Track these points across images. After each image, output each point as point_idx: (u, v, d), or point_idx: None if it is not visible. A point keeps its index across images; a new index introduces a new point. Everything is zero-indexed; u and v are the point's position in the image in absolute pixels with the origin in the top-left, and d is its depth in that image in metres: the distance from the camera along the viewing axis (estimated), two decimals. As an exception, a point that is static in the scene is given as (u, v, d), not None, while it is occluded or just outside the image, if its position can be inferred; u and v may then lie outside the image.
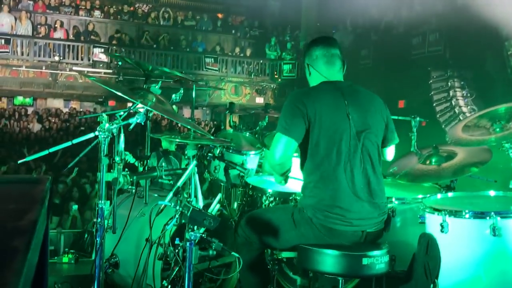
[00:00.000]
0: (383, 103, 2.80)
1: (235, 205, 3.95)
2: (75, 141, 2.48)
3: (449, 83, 11.16)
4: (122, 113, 2.55)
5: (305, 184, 2.69)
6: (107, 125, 2.50)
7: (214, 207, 2.86)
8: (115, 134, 2.61)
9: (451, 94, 11.09)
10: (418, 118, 3.79)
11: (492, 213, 2.50)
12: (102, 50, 16.26)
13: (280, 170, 2.73)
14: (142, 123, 2.52)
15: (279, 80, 18.43)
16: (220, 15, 20.19)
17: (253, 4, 20.58)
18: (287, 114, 2.60)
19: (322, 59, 2.76)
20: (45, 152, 2.48)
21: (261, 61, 18.64)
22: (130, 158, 5.11)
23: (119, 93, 2.49)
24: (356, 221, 2.55)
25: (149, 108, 2.55)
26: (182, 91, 3.08)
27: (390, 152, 2.93)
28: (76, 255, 4.81)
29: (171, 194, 2.70)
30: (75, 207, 9.30)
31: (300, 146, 2.66)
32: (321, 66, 2.76)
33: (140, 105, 2.60)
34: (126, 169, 2.81)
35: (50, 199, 1.30)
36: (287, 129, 2.56)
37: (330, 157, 2.56)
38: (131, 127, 2.53)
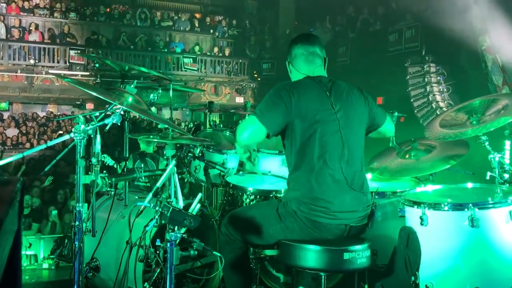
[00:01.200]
0: (362, 91, 2.83)
1: (216, 204, 3.92)
2: (50, 143, 2.43)
3: (425, 78, 11.31)
4: (98, 114, 2.51)
5: (289, 178, 2.70)
6: (82, 126, 2.46)
7: (195, 207, 2.84)
8: (91, 136, 2.57)
9: (428, 90, 11.24)
10: (396, 113, 3.81)
11: (470, 204, 2.53)
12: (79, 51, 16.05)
13: (242, 148, 2.78)
14: (119, 124, 2.49)
15: (259, 79, 18.44)
16: (197, 15, 20.09)
17: (231, 4, 20.57)
18: (269, 102, 2.61)
19: (301, 57, 2.78)
20: (20, 155, 2.44)
21: (240, 61, 18.61)
22: (109, 160, 5.04)
23: (95, 93, 2.45)
24: (340, 214, 2.56)
25: (125, 108, 2.52)
26: (160, 91, 3.05)
27: (388, 129, 2.97)
28: (56, 260, 4.75)
29: (150, 195, 2.67)
30: (54, 212, 9.17)
31: (285, 140, 2.67)
32: (301, 63, 2.79)
33: (116, 106, 2.56)
34: (104, 171, 2.77)
35: (21, 200, 1.26)
36: (263, 116, 2.56)
37: (314, 150, 2.57)
38: (107, 127, 2.50)
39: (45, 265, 4.60)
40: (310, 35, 2.91)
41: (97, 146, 2.54)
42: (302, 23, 17.91)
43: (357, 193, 2.62)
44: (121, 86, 2.99)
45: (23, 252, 7.97)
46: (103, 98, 2.43)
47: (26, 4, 17.17)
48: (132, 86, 2.68)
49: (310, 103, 2.59)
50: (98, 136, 2.54)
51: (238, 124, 2.76)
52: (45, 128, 16.45)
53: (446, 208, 2.61)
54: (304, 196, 2.58)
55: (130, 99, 2.67)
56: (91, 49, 16.51)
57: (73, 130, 2.46)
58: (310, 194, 2.56)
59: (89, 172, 2.63)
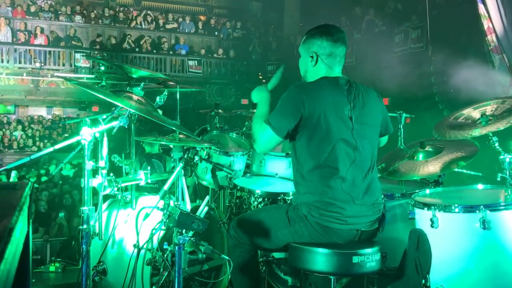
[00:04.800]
0: (378, 95, 2.77)
1: (224, 207, 3.90)
2: (57, 146, 2.42)
3: (432, 79, 11.25)
4: (104, 116, 2.50)
5: (300, 182, 2.64)
6: (90, 129, 2.45)
7: (202, 210, 2.82)
8: (98, 139, 2.56)
9: (434, 91, 11.18)
10: (404, 114, 3.79)
11: (482, 206, 2.50)
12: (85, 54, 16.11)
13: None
14: (126, 126, 2.47)
15: (263, 81, 18.42)
16: (202, 17, 20.10)
17: (235, 6, 20.57)
18: (284, 111, 2.56)
19: (334, 57, 2.65)
20: (27, 159, 2.43)
21: (245, 63, 18.60)
22: (121, 162, 4.99)
23: (102, 96, 2.43)
24: (351, 219, 2.52)
25: (131, 110, 2.50)
26: (166, 93, 3.03)
27: (384, 140, 2.94)
28: (63, 263, 4.73)
29: (158, 197, 2.66)
30: (61, 214, 9.18)
31: (296, 142, 2.62)
32: (330, 63, 2.66)
33: (123, 108, 2.55)
34: (112, 174, 2.76)
35: (30, 205, 1.25)
36: (279, 129, 2.54)
37: (327, 155, 2.52)
38: (114, 130, 2.49)
39: (52, 268, 4.57)
40: (342, 32, 2.72)
41: (104, 149, 2.53)
42: (307, 24, 17.88)
43: (368, 198, 2.58)
44: (128, 88, 2.98)
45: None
46: (109, 99, 2.42)
47: (31, 7, 17.23)
48: (139, 88, 2.67)
49: (325, 106, 2.52)
50: (105, 139, 2.53)
51: (252, 131, 2.72)
52: (51, 130, 16.51)
53: (456, 210, 2.57)
54: (316, 201, 2.54)
55: (136, 101, 2.66)
56: (96, 52, 16.55)
57: (80, 133, 2.45)
58: (322, 199, 2.52)
59: (96, 175, 2.62)
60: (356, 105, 2.60)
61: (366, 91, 2.70)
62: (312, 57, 2.69)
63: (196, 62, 17.82)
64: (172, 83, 3.78)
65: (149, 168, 3.19)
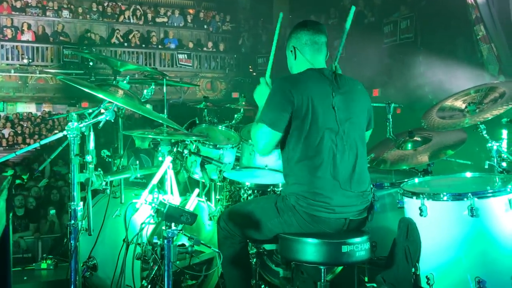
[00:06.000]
0: (363, 87, 2.77)
1: (214, 200, 3.89)
2: (42, 142, 2.39)
3: (421, 69, 11.28)
4: (90, 111, 2.48)
5: (289, 172, 2.65)
6: (75, 124, 2.43)
7: (192, 203, 2.81)
8: (85, 133, 2.54)
9: (424, 80, 11.21)
10: (393, 104, 3.81)
11: (470, 194, 2.50)
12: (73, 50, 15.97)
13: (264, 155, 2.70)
14: (112, 120, 2.45)
15: (254, 73, 18.37)
16: (191, 11, 19.98)
17: (224, -1, 20.47)
18: (274, 105, 2.55)
19: (313, 46, 2.68)
20: (12, 155, 2.40)
21: (235, 56, 18.54)
22: (110, 157, 4.94)
23: (86, 89, 2.41)
24: (339, 208, 2.53)
25: (118, 104, 2.48)
26: (153, 86, 3.01)
27: (369, 134, 2.91)
28: (55, 260, 4.70)
29: (146, 192, 2.64)
30: (52, 211, 9.11)
31: (285, 134, 2.61)
32: (309, 52, 2.69)
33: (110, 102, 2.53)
34: (99, 169, 2.74)
35: (9, 198, 1.23)
36: (274, 123, 2.52)
37: (314, 146, 2.53)
38: (101, 125, 2.46)
39: (43, 266, 4.54)
40: (319, 23, 2.79)
41: (91, 144, 2.50)
42: (296, 16, 17.82)
43: (357, 187, 2.59)
44: (114, 82, 2.95)
45: (20, 255, 7.95)
46: (94, 93, 2.39)
47: (17, 3, 17.02)
48: (125, 81, 2.64)
49: (312, 96, 2.53)
50: (92, 134, 2.51)
51: (251, 137, 2.71)
52: (40, 127, 16.39)
53: (445, 198, 2.58)
54: (303, 190, 2.54)
55: (122, 95, 2.63)
56: (84, 47, 16.41)
57: (66, 128, 2.43)
58: (309, 189, 2.53)
59: (84, 170, 2.59)
60: (342, 95, 2.60)
61: (352, 82, 2.71)
62: (291, 51, 2.74)
63: (186, 55, 17.74)
64: (157, 76, 3.75)
65: (137, 162, 3.17)
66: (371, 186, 2.77)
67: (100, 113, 2.54)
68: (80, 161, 2.47)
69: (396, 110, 4.07)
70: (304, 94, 2.52)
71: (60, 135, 2.47)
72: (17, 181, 10.82)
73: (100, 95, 2.40)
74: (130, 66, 3.35)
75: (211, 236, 3.55)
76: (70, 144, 2.46)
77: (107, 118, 2.45)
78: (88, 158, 2.54)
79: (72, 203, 2.53)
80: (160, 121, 2.75)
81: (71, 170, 2.54)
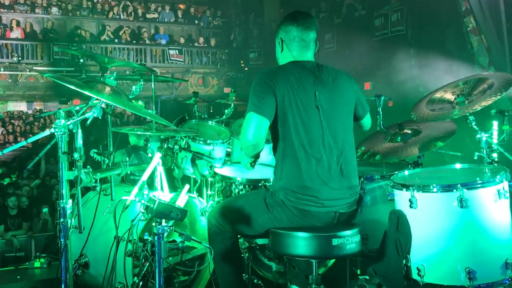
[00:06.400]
0: (350, 77, 2.75)
1: (205, 195, 3.88)
2: (30, 140, 2.37)
3: (412, 62, 11.31)
4: (78, 108, 2.46)
5: (277, 167, 2.64)
6: (63, 121, 2.41)
7: (182, 199, 2.80)
8: (73, 131, 2.52)
9: (415, 73, 11.23)
10: (383, 97, 3.80)
11: (459, 185, 2.52)
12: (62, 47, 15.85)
13: (253, 151, 2.60)
14: (100, 117, 2.43)
15: (246, 68, 18.34)
16: (181, 6, 19.88)
17: (215, -7, 20.38)
18: (258, 93, 2.52)
19: (300, 43, 2.65)
20: (-1, 153, 2.38)
21: (226, 51, 18.49)
22: (96, 156, 4.92)
23: (73, 87, 2.39)
24: (328, 202, 2.53)
25: (105, 101, 2.46)
26: (142, 82, 2.99)
27: (367, 122, 2.92)
28: (48, 259, 4.67)
29: (135, 188, 2.63)
30: (45, 210, 9.07)
31: (271, 128, 2.60)
32: (297, 49, 2.66)
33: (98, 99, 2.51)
34: (88, 166, 2.72)
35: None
36: (259, 107, 2.48)
37: (300, 139, 2.52)
38: (89, 122, 2.44)
39: (37, 264, 4.52)
40: (310, 17, 2.71)
41: (79, 141, 2.48)
42: (287, 10, 17.77)
43: (344, 180, 2.58)
44: (101, 78, 2.92)
45: (13, 254, 7.91)
46: (81, 90, 2.37)
47: (6, 0, 16.84)
48: (112, 78, 2.62)
49: (294, 91, 2.52)
50: (80, 131, 2.49)
51: (240, 137, 2.69)
52: (32, 126, 16.28)
53: (435, 189, 2.59)
54: (292, 185, 2.54)
55: (109, 91, 2.61)
56: (75, 44, 16.28)
57: (53, 125, 2.41)
58: (298, 183, 2.52)
59: (73, 168, 2.57)
60: (325, 87, 2.59)
61: (336, 72, 2.69)
62: (279, 43, 2.73)
63: (177, 51, 17.66)
64: (145, 72, 3.72)
65: (136, 160, 3.16)
66: (361, 178, 2.77)
67: (87, 110, 2.53)
68: (68, 158, 2.45)
69: (389, 103, 4.07)
70: (285, 86, 2.51)
71: (47, 132, 2.45)
72: (6, 180, 10.77)
73: (86, 92, 2.37)
74: (117, 62, 3.32)
75: (206, 231, 3.54)
76: (58, 141, 2.44)
77: (95, 115, 2.43)
78: (76, 155, 2.52)
79: (61, 201, 2.51)
80: (148, 118, 2.73)
81: (59, 168, 2.52)
